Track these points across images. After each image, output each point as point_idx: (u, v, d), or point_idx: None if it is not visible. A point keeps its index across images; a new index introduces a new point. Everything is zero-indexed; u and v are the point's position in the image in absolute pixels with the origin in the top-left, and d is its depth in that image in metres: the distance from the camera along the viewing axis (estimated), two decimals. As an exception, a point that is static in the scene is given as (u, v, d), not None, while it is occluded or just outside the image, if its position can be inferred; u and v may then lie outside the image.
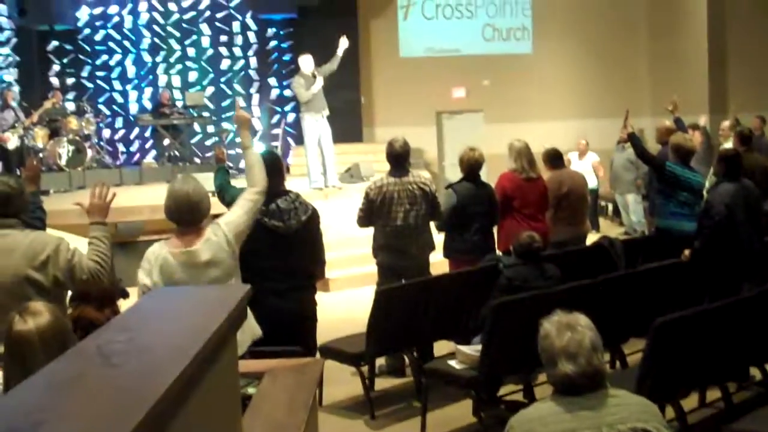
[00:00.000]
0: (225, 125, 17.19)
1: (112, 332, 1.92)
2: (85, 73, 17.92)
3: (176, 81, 18.00)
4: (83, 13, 17.84)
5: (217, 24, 17.99)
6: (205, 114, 16.80)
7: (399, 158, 6.87)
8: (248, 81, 18.10)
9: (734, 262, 6.50)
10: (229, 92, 17.86)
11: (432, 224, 7.18)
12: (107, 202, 4.35)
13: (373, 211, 6.83)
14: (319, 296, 5.76)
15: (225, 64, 17.99)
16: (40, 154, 14.06)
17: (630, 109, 9.06)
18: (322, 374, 4.62)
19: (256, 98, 18.05)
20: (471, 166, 7.24)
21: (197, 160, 16.66)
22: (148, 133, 17.11)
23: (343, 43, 12.58)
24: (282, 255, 5.16)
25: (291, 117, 17.76)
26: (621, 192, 13.04)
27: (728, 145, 9.56)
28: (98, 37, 17.98)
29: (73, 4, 17.52)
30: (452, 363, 5.71)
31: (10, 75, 16.97)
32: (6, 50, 17.06)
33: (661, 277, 6.32)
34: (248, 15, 17.88)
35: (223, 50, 18.03)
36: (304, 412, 3.16)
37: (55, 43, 17.80)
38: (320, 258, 5.81)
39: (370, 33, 17.66)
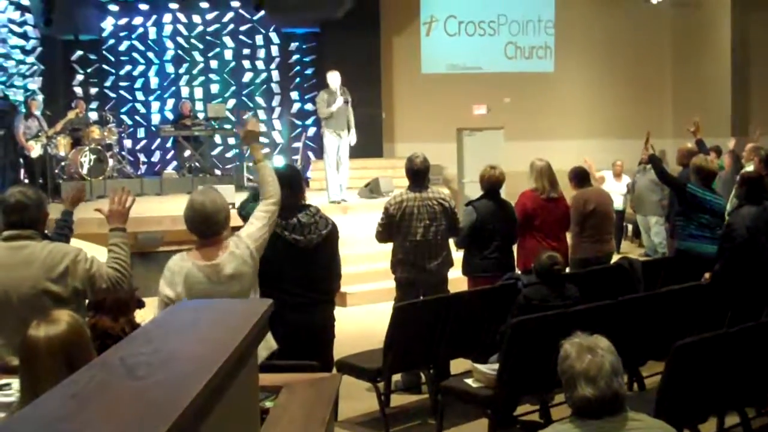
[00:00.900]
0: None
1: (136, 344, 1.93)
2: (108, 83, 18.05)
3: (198, 93, 18.11)
4: (108, 24, 17.98)
5: (241, 37, 18.09)
6: (227, 126, 16.87)
7: (419, 174, 6.89)
8: (270, 94, 18.17)
9: (755, 285, 6.45)
10: (251, 105, 17.95)
11: (451, 241, 7.18)
12: (126, 208, 4.37)
13: (392, 227, 6.84)
14: (337, 311, 5.76)
15: (247, 76, 18.08)
16: (63, 163, 14.17)
17: (652, 130, 9.04)
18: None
19: (277, 111, 18.12)
20: (491, 184, 7.25)
21: (217, 172, 16.73)
22: (169, 144, 17.19)
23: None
24: (301, 269, 5.16)
25: (312, 131, 17.82)
26: (644, 213, 12.94)
27: (750, 167, 9.50)
28: (122, 47, 18.13)
29: (98, 14, 17.66)
30: (469, 381, 5.69)
31: (35, 84, 17.11)
32: (31, 59, 17.21)
33: (681, 299, 6.28)
34: (271, 28, 17.97)
35: (246, 63, 18.12)
36: (321, 427, 3.16)
37: (79, 52, 17.95)
38: (337, 272, 5.80)
39: (392, 49, 17.71)
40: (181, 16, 18.11)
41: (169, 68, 18.22)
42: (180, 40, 18.18)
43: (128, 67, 18.14)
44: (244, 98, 18.04)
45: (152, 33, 18.20)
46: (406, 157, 7.15)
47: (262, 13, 16.95)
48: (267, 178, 4.75)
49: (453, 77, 17.64)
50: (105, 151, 14.46)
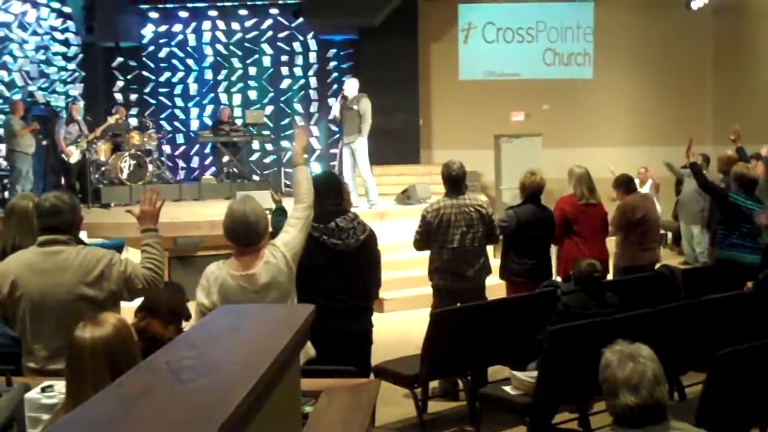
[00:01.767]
0: (284, 143, 17.35)
1: (180, 348, 1.94)
2: (148, 90, 18.24)
3: (237, 99, 18.23)
4: (148, 31, 18.17)
5: (279, 44, 18.19)
6: (265, 132, 16.95)
7: (456, 181, 6.88)
8: (307, 101, 18.25)
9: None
10: (289, 111, 18.04)
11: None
12: (157, 209, 4.41)
13: (430, 234, 6.84)
14: (374, 317, 5.76)
15: (285, 83, 18.17)
16: (103, 168, 14.32)
17: (692, 137, 8.95)
18: (376, 395, 4.61)
19: (314, 118, 18.18)
20: (533, 189, 7.24)
21: (255, 178, 16.81)
22: (207, 150, 17.32)
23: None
24: (340, 274, 5.16)
25: (349, 137, 17.82)
26: (687, 222, 12.81)
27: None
28: (162, 54, 18.30)
29: (138, 21, 17.86)
30: (507, 388, 5.66)
31: (76, 90, 17.34)
32: (72, 66, 17.44)
33: (723, 308, 6.20)
34: (310, 35, 18.05)
35: (284, 70, 18.22)
36: (360, 432, 3.16)
37: (120, 59, 18.16)
38: (375, 279, 5.79)
39: (430, 55, 17.72)
40: (221, 23, 18.26)
41: (208, 75, 18.38)
42: (219, 47, 18.32)
43: (168, 74, 18.31)
44: (282, 105, 18.13)
45: (192, 40, 18.37)
46: (443, 163, 7.15)
47: (301, 20, 17.03)
48: (302, 182, 4.77)
49: (491, 84, 17.60)
50: (144, 157, 14.60)
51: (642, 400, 2.79)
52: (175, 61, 18.37)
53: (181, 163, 17.84)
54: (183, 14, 18.11)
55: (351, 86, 12.99)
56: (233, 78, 18.33)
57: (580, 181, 7.54)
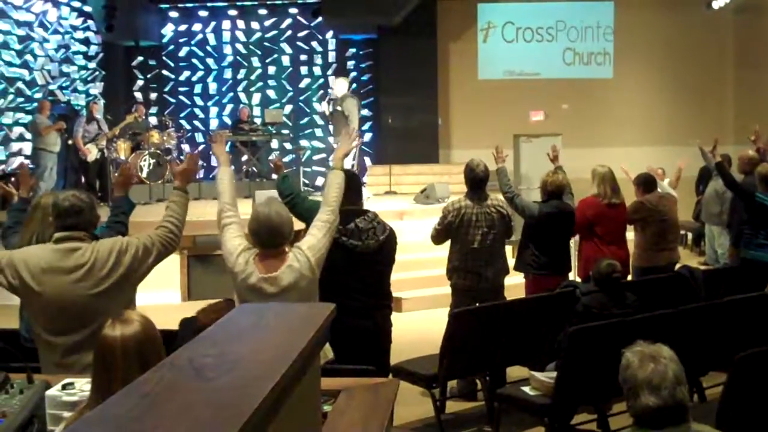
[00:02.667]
0: (302, 142, 17.39)
1: (202, 346, 1.95)
2: (167, 89, 18.32)
3: (256, 98, 18.27)
4: (168, 30, 18.26)
5: (298, 43, 18.23)
6: (284, 131, 16.99)
7: (480, 182, 6.89)
8: (359, 99, 18.25)
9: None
10: (308, 110, 18.07)
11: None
12: (197, 167, 4.51)
13: (449, 232, 6.84)
14: (392, 316, 5.75)
15: (304, 82, 18.21)
16: (122, 166, 14.37)
17: (713, 137, 8.91)
18: (395, 394, 4.60)
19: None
20: (556, 187, 7.24)
21: (274, 177, 16.79)
22: (226, 149, 17.32)
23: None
24: (359, 274, 5.17)
25: (368, 136, 17.87)
26: (709, 223, 12.71)
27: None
28: (182, 53, 18.39)
29: (158, 21, 17.95)
30: (525, 389, 5.64)
31: (96, 89, 17.44)
32: (93, 65, 17.54)
33: (745, 309, 6.15)
34: (329, 35, 18.07)
35: (303, 69, 18.25)
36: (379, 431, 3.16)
37: (140, 58, 18.25)
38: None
39: (449, 55, 17.70)
40: (240, 23, 18.32)
41: (228, 74, 18.44)
42: (238, 46, 18.38)
43: (187, 73, 18.39)
44: (300, 104, 18.16)
45: (211, 39, 18.45)
46: (462, 163, 7.15)
47: (320, 19, 17.06)
48: (333, 186, 4.78)
49: (510, 83, 17.58)
50: (164, 156, 14.64)
51: (663, 401, 2.77)
52: (194, 60, 18.45)
53: (201, 162, 17.88)
54: (203, 13, 18.18)
55: (339, 86, 13.13)
56: (252, 77, 18.38)
57: (604, 180, 7.52)
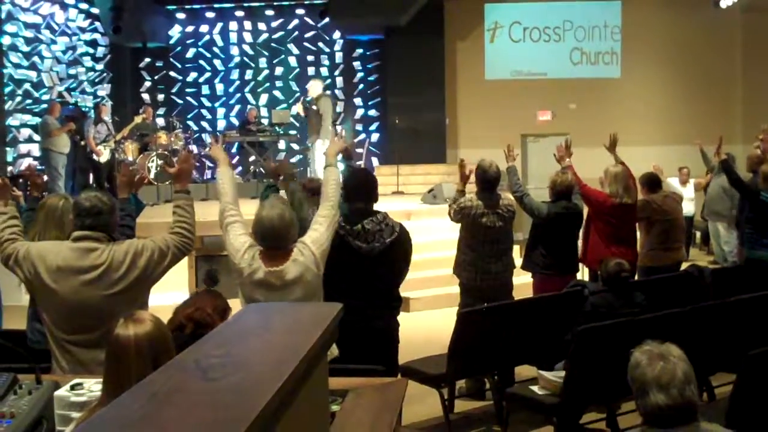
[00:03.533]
0: (310, 143, 17.39)
1: (209, 346, 1.95)
2: (175, 90, 18.36)
3: (263, 99, 18.29)
4: (175, 31, 18.29)
5: (305, 44, 18.25)
6: (291, 132, 17.01)
7: (492, 182, 6.90)
8: (334, 100, 18.27)
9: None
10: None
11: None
12: (193, 165, 4.48)
13: (466, 216, 6.83)
14: (400, 316, 5.74)
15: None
16: (131, 168, 14.40)
17: (722, 136, 8.87)
18: (403, 394, 4.60)
19: (341, 117, 18.21)
20: (564, 188, 7.24)
21: (282, 177, 16.82)
22: (234, 150, 17.39)
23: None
24: (364, 275, 5.15)
25: (375, 137, 17.88)
26: (713, 220, 12.68)
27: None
28: (189, 54, 18.43)
29: (165, 22, 17.98)
30: (534, 388, 5.63)
31: (104, 90, 17.48)
32: (100, 66, 17.58)
33: (753, 308, 6.13)
34: (336, 35, 18.08)
35: (310, 69, 18.27)
36: (387, 431, 3.16)
37: (147, 60, 18.30)
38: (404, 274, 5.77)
39: (456, 55, 17.70)
40: (247, 24, 18.36)
41: (235, 75, 18.47)
42: (245, 47, 18.42)
43: (194, 74, 18.43)
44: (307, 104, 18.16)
45: (218, 40, 18.48)
46: (469, 163, 7.14)
47: (327, 20, 17.08)
48: (330, 181, 4.79)
49: (517, 83, 17.57)
50: (172, 157, 14.66)
51: (672, 400, 2.76)
52: (201, 62, 18.49)
53: (208, 163, 17.92)
54: (210, 15, 18.22)
55: (314, 87, 13.56)
56: (260, 78, 18.42)
57: (616, 179, 7.51)
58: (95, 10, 16.82)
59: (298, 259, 4.38)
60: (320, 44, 18.32)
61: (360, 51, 18.26)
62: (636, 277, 7.65)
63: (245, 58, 18.48)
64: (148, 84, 18.47)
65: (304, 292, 4.38)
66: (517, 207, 7.18)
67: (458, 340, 6.00)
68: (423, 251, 10.70)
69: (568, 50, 17.86)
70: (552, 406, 5.43)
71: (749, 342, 5.07)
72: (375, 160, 17.59)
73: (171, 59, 18.46)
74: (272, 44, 18.40)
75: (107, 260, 4.09)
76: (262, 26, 18.39)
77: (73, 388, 3.16)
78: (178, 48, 18.50)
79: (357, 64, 18.30)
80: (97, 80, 17.63)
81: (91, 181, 14.53)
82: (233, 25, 18.47)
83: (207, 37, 18.51)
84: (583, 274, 8.10)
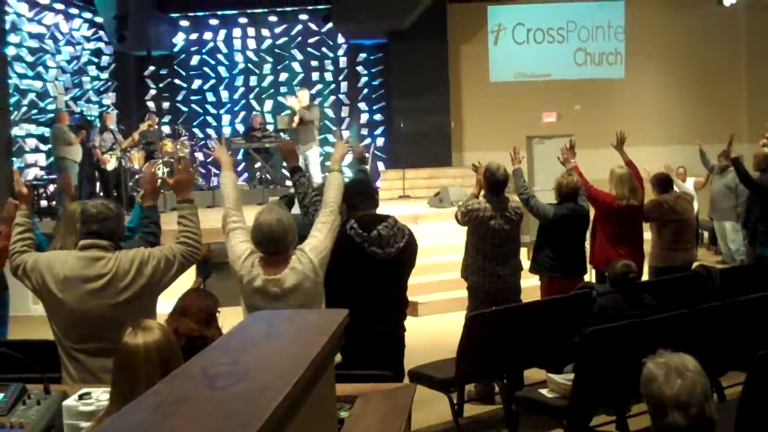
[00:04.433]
0: (303, 152, 17.40)
1: (215, 354, 1.94)
2: (180, 97, 18.39)
3: (268, 105, 18.31)
4: (179, 39, 18.33)
5: (309, 49, 18.27)
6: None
7: (500, 185, 6.90)
8: (338, 105, 18.30)
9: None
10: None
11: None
12: (191, 174, 4.48)
13: (473, 219, 6.82)
14: (408, 320, 5.74)
15: (316, 88, 18.22)
16: (137, 176, 14.43)
17: (726, 135, 8.86)
18: (412, 399, 4.58)
19: (345, 122, 18.23)
20: (569, 190, 7.22)
21: (288, 183, 16.85)
22: (240, 156, 17.40)
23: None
24: (378, 280, 5.14)
25: (380, 141, 17.88)
26: (718, 219, 12.66)
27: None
28: (193, 62, 18.46)
29: (169, 30, 18.02)
30: (543, 391, 5.61)
31: (109, 99, 17.52)
32: (105, 75, 17.62)
33: (763, 308, 6.11)
34: (339, 40, 18.09)
35: (314, 75, 18.28)
36: (396, 437, 3.14)
37: (151, 68, 18.33)
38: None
39: (460, 58, 17.70)
40: (251, 30, 18.39)
41: (239, 81, 18.49)
42: (249, 53, 18.44)
43: (199, 81, 18.46)
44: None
45: (222, 47, 18.51)
46: (485, 165, 7.12)
47: (330, 25, 17.09)
48: (332, 187, 4.78)
49: (522, 85, 17.55)
50: (178, 164, 14.65)
51: (692, 420, 2.66)
52: (206, 69, 18.52)
53: (214, 170, 17.91)
54: (213, 22, 18.25)
55: (305, 96, 13.95)
56: (264, 84, 18.43)
57: (621, 180, 7.50)
58: (99, 20, 16.85)
59: (296, 267, 4.36)
60: (324, 49, 18.34)
61: (364, 55, 18.26)
62: (647, 278, 7.64)
63: (249, 65, 18.51)
64: (153, 92, 18.50)
65: (304, 301, 4.36)
66: (524, 209, 7.17)
67: (466, 343, 5.99)
68: (430, 255, 10.70)
69: (572, 51, 17.84)
70: (561, 409, 5.42)
71: (759, 342, 5.05)
72: (381, 165, 17.59)
73: (175, 67, 18.50)
74: (276, 50, 18.42)
75: (113, 269, 4.09)
76: (265, 32, 18.41)
77: (81, 397, 3.16)
78: (183, 55, 18.53)
79: (361, 69, 18.31)
80: (102, 89, 17.66)
81: (98, 189, 14.55)
82: (237, 32, 18.50)
83: (211, 45, 18.54)
84: (590, 275, 8.08)
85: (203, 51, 18.54)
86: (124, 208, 13.16)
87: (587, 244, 7.70)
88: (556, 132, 17.11)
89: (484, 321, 6.20)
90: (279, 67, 18.40)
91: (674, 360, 2.77)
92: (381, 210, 5.41)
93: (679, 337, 5.29)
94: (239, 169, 17.80)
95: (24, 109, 15.18)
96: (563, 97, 17.33)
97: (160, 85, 18.50)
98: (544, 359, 6.28)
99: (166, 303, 4.65)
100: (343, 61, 18.36)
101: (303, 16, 18.09)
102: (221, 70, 18.53)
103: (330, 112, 18.18)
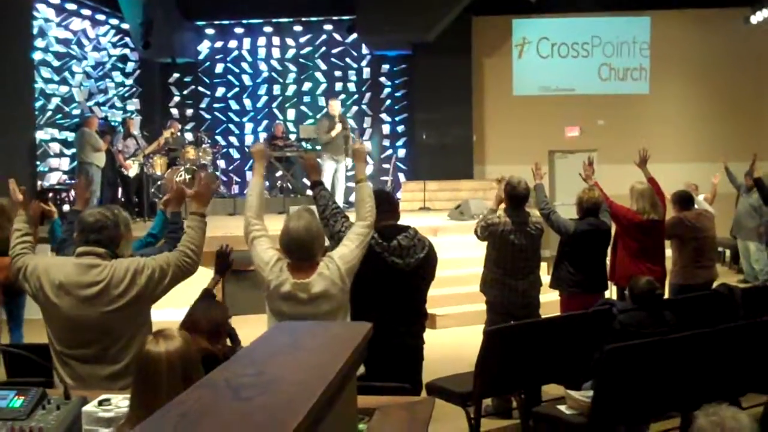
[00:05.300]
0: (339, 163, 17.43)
1: (239, 365, 1.95)
2: (203, 105, 18.47)
3: (291, 114, 18.35)
4: (204, 47, 18.42)
5: (333, 59, 18.30)
6: (318, 147, 17.05)
7: (521, 200, 6.88)
8: (361, 116, 18.32)
9: None
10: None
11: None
12: (210, 189, 4.50)
13: (492, 234, 6.81)
14: (426, 333, 5.72)
15: (339, 98, 18.22)
16: (159, 182, 14.50)
17: (751, 153, 8.81)
18: (430, 413, 4.56)
19: (368, 133, 18.24)
20: (590, 205, 7.20)
21: (309, 192, 16.86)
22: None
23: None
24: (398, 291, 5.15)
25: (402, 152, 17.88)
26: (743, 238, 12.58)
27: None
28: (218, 70, 18.54)
29: (194, 38, 18.11)
30: (561, 408, 5.58)
31: (133, 105, 17.63)
32: (130, 81, 17.73)
33: (785, 328, 6.06)
34: (363, 51, 18.12)
35: (338, 85, 18.31)
36: (415, 451, 3.13)
37: (176, 75, 18.42)
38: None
39: (484, 71, 17.69)
40: (276, 39, 18.45)
41: (263, 90, 18.55)
42: (274, 62, 18.51)
43: (223, 89, 18.54)
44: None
45: (247, 56, 18.58)
46: (507, 179, 7.12)
47: (355, 36, 17.12)
48: (365, 199, 4.78)
49: (545, 99, 17.52)
50: (200, 171, 14.72)
51: None
52: (230, 77, 18.59)
53: (236, 178, 18.00)
54: (239, 30, 18.33)
55: (336, 106, 14.14)
56: (287, 93, 18.48)
57: (642, 196, 7.47)
58: (125, 26, 16.98)
59: (324, 272, 4.39)
60: (348, 60, 18.38)
61: (387, 67, 18.28)
62: (667, 295, 7.60)
63: (273, 74, 18.57)
64: (176, 99, 18.59)
65: (331, 307, 4.38)
66: (545, 224, 7.15)
67: (485, 358, 5.96)
68: (450, 268, 10.67)
69: (597, 66, 17.79)
70: (580, 426, 5.38)
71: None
72: (402, 176, 17.59)
73: (200, 74, 18.59)
74: (300, 60, 18.48)
75: (107, 277, 4.07)
76: (290, 42, 18.48)
77: (100, 403, 3.17)
78: (207, 63, 18.62)
79: (384, 80, 18.32)
80: (126, 95, 17.78)
81: (119, 195, 14.61)
82: (262, 41, 18.57)
83: (236, 53, 18.62)
84: (611, 292, 8.04)
85: (228, 59, 18.62)
86: (145, 214, 13.25)
87: (608, 260, 7.67)
88: (578, 147, 17.06)
89: (503, 335, 6.18)
90: (303, 77, 18.46)
91: (725, 416, 2.71)
92: (401, 222, 5.41)
93: (699, 357, 5.25)
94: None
95: (49, 113, 15.29)
96: (587, 112, 17.29)
97: (184, 92, 18.60)
98: (562, 375, 6.24)
99: (170, 311, 4.66)
100: (366, 72, 18.39)
101: (328, 27, 18.15)
102: (245, 78, 18.61)
103: (352, 123, 18.19)
